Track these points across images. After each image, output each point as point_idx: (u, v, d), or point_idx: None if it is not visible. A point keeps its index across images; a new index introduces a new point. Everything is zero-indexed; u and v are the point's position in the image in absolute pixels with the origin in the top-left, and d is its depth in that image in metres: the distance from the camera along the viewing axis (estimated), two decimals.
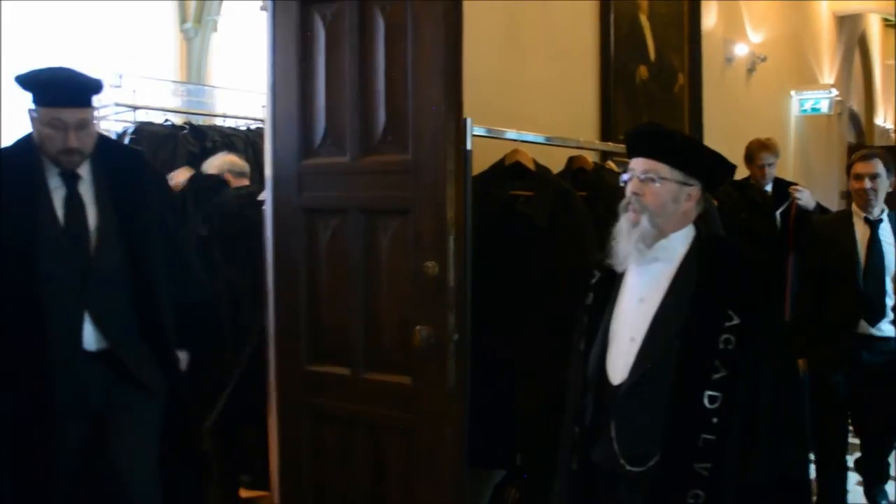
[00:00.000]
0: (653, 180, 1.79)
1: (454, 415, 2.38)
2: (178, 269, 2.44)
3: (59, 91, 2.17)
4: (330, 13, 2.55)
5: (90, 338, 2.22)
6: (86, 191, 2.27)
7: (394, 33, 2.43)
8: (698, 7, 4.63)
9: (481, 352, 2.53)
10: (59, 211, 2.22)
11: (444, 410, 2.38)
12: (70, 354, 2.17)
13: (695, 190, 1.82)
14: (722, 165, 1.89)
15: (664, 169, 1.79)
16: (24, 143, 2.25)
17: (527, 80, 3.38)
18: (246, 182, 3.65)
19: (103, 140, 2.42)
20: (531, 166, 2.79)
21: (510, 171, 2.76)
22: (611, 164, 3.36)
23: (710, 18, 4.93)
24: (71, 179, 2.25)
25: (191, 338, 2.48)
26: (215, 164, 3.66)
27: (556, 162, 3.05)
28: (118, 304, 2.27)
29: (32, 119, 2.22)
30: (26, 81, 2.19)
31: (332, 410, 2.61)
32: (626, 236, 1.82)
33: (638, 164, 1.83)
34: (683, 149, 1.85)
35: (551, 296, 2.60)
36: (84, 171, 2.28)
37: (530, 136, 2.84)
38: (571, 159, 3.11)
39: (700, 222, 1.88)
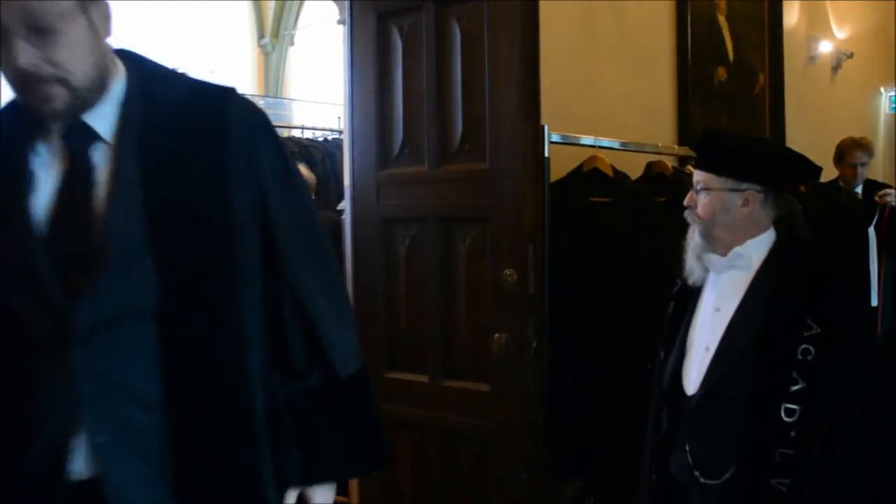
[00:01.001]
0: (701, 191, 1.78)
1: (532, 423, 2.37)
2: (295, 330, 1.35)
3: None
4: (407, 24, 2.59)
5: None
6: (105, 167, 1.22)
7: (470, 42, 2.44)
8: (780, 5, 4.49)
9: (560, 359, 2.51)
10: (42, 211, 1.20)
11: (523, 419, 2.38)
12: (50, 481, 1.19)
13: (751, 194, 1.76)
14: (794, 165, 1.84)
15: (709, 178, 1.77)
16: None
17: (603, 85, 3.34)
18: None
19: (152, 69, 1.33)
20: (609, 172, 2.76)
21: (588, 178, 2.74)
22: (690, 169, 3.29)
23: (792, 16, 4.77)
24: (75, 142, 1.22)
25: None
26: None
27: (634, 167, 3.01)
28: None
29: None
30: None
31: (409, 417, 2.63)
32: (689, 249, 1.81)
33: (695, 177, 1.83)
34: (728, 155, 1.80)
35: (631, 304, 2.57)
36: (104, 125, 1.23)
37: (607, 142, 2.82)
38: (650, 165, 3.06)
39: (781, 226, 1.83)
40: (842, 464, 1.62)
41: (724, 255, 1.77)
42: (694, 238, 1.80)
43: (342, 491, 3.13)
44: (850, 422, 1.63)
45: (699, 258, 1.80)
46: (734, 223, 1.76)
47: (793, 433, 1.62)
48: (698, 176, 1.80)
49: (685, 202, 1.82)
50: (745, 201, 1.76)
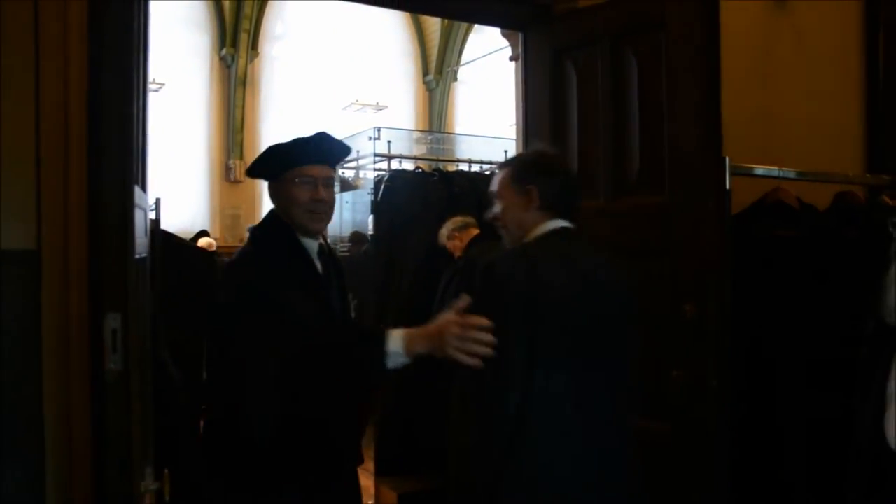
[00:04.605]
0: None
1: (715, 464, 2.27)
2: None
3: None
4: (582, 58, 2.61)
5: None
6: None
7: (647, 74, 2.43)
8: None
9: (743, 401, 2.40)
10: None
11: (704, 459, 2.28)
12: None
13: None
14: None
15: None
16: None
17: (784, 112, 3.19)
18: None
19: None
20: (795, 204, 2.62)
21: (772, 210, 2.61)
22: (886, 199, 3.06)
23: None
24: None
25: None
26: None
27: (821, 199, 2.84)
28: None
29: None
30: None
31: None
32: None
33: None
34: None
35: (821, 345, 2.41)
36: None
37: (790, 173, 2.68)
38: (839, 195, 2.87)
39: None
40: None
41: None
42: None
43: None
44: None
45: None
46: None
47: None
48: None
49: None
50: None
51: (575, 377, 1.75)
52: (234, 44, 9.74)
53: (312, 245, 2.02)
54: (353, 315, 2.17)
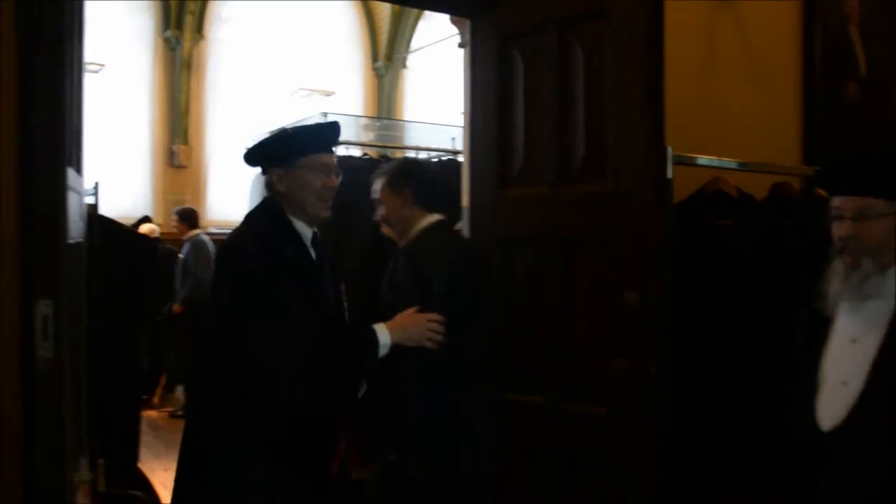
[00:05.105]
0: (870, 219, 1.65)
1: (655, 450, 2.32)
2: None
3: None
4: (528, 46, 2.62)
5: None
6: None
7: (593, 63, 2.45)
8: None
9: (681, 385, 2.45)
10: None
11: (644, 445, 2.33)
12: None
13: None
14: None
15: (879, 204, 1.65)
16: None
17: (726, 104, 3.26)
18: None
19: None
20: (734, 194, 2.68)
21: (712, 200, 2.67)
22: (820, 192, 3.15)
23: None
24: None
25: None
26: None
27: (759, 189, 2.91)
28: None
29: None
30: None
31: (524, 439, 2.63)
32: (839, 279, 1.70)
33: (846, 204, 1.69)
34: (894, 176, 1.69)
35: (756, 331, 2.48)
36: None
37: (730, 163, 2.74)
38: (776, 186, 2.95)
39: None
40: None
41: (863, 283, 1.68)
42: (863, 268, 1.67)
43: None
44: None
45: (858, 288, 1.68)
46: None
47: None
48: (857, 202, 1.67)
49: (844, 233, 1.69)
50: None
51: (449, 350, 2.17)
52: (179, 26, 9.49)
53: (307, 233, 2.07)
54: (345, 303, 2.17)
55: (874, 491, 1.61)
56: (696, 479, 2.56)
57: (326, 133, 2.12)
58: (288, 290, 1.88)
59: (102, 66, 8.58)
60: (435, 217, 2.38)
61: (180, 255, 6.41)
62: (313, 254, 2.06)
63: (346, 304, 2.16)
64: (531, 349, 2.62)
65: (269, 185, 2.06)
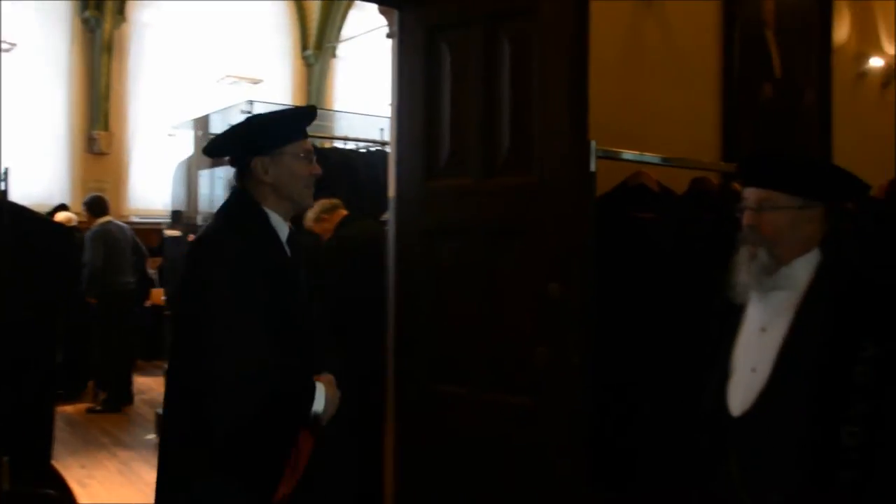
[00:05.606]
0: (767, 210, 1.74)
1: (577, 437, 2.37)
2: None
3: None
4: (456, 39, 2.62)
5: None
6: None
7: (519, 56, 2.46)
8: (829, 20, 4.43)
9: (604, 374, 2.50)
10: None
11: (566, 432, 2.37)
12: None
13: (816, 212, 1.75)
14: (847, 183, 1.81)
15: (779, 197, 1.73)
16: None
17: (649, 101, 3.34)
18: None
19: None
20: (655, 188, 2.75)
21: (633, 193, 2.73)
22: (737, 186, 3.27)
23: (841, 32, 4.71)
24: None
25: None
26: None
27: (679, 184, 2.99)
28: None
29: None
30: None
31: (451, 430, 2.64)
32: (745, 269, 1.77)
33: (751, 195, 1.77)
34: (797, 173, 1.77)
35: (675, 321, 2.55)
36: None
37: (652, 158, 2.81)
38: (695, 181, 3.04)
39: (827, 246, 1.80)
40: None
41: (771, 274, 1.75)
42: (759, 257, 1.75)
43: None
44: None
45: (759, 278, 1.76)
46: (797, 242, 1.74)
47: (856, 456, 1.60)
48: (760, 194, 1.76)
49: (746, 222, 1.77)
50: (810, 219, 1.74)
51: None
52: (98, 6, 9.14)
53: (283, 229, 1.97)
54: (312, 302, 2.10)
55: (777, 473, 1.68)
56: (621, 464, 2.62)
57: (306, 119, 2.04)
58: (263, 300, 1.80)
59: (14, 45, 8.20)
60: None
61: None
62: (288, 251, 1.97)
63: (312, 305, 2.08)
64: (456, 340, 2.63)
65: (247, 175, 1.93)
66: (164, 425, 1.98)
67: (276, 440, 1.82)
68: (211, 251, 1.86)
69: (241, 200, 1.94)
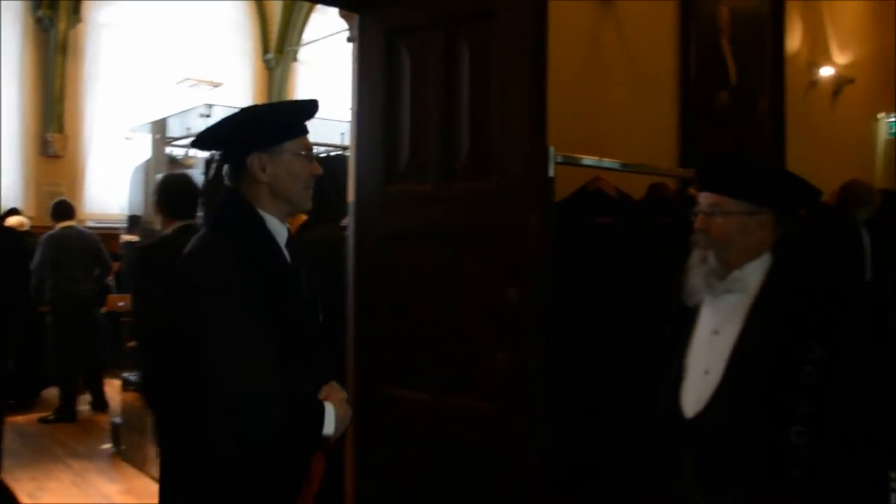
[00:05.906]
0: (717, 215, 1.76)
1: (536, 441, 2.37)
2: None
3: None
4: (415, 42, 2.61)
5: None
6: None
7: (479, 62, 2.47)
8: (781, 30, 4.54)
9: (563, 378, 2.52)
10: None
11: (526, 436, 2.38)
12: None
13: (766, 218, 1.78)
14: (799, 189, 1.85)
15: (729, 202, 1.76)
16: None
17: (607, 107, 3.37)
18: None
19: None
20: (613, 193, 2.78)
21: (592, 199, 2.76)
22: (693, 192, 3.31)
23: (794, 41, 4.82)
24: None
25: None
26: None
27: (636, 189, 3.03)
28: None
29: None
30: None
31: (411, 435, 2.63)
32: (696, 271, 1.80)
33: (703, 199, 1.81)
34: (749, 179, 1.80)
35: (632, 325, 2.58)
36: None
37: (610, 163, 2.84)
38: (652, 186, 3.08)
39: (779, 250, 1.84)
40: (855, 481, 1.65)
41: (723, 278, 1.78)
42: (708, 261, 1.79)
43: None
44: (860, 440, 1.66)
45: (708, 281, 1.79)
46: (746, 247, 1.77)
47: (804, 455, 1.63)
48: (712, 198, 1.79)
49: (697, 225, 1.80)
50: (760, 225, 1.77)
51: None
52: (52, 6, 8.94)
53: (282, 233, 1.78)
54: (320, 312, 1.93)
55: (730, 473, 1.70)
56: (579, 466, 2.64)
57: (309, 112, 1.82)
58: (265, 321, 1.62)
59: None
60: (178, 223, 2.97)
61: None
62: (288, 256, 1.77)
63: (320, 310, 1.91)
64: (416, 345, 2.63)
65: (241, 174, 1.73)
66: (165, 466, 1.82)
67: (288, 472, 1.68)
68: (204, 269, 1.65)
69: (234, 204, 1.74)
